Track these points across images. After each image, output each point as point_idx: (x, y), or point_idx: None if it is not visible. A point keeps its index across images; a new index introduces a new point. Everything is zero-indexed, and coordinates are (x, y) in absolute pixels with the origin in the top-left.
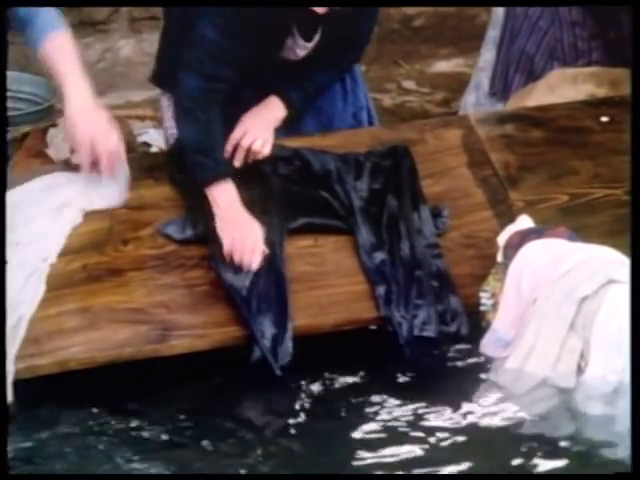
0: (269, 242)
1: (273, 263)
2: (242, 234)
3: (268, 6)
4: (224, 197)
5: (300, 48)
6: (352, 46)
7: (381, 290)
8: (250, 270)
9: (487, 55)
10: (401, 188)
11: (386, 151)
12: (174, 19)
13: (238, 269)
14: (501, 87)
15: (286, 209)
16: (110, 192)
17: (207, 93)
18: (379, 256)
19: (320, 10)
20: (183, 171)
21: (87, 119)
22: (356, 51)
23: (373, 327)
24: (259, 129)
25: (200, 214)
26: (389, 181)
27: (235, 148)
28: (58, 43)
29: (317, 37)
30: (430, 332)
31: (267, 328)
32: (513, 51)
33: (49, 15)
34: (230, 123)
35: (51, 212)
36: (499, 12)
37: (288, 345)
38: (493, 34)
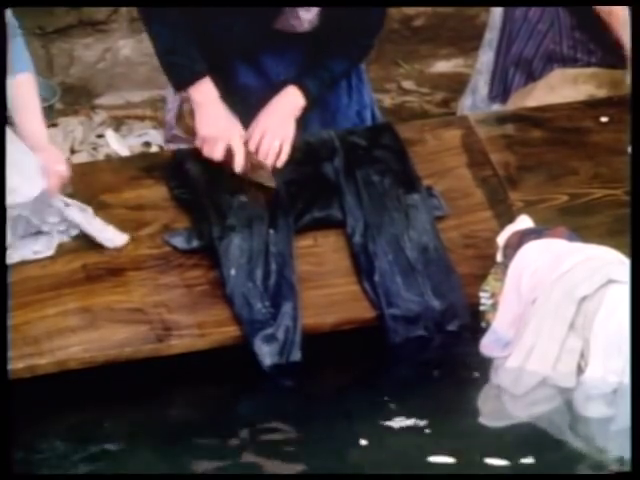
0: (279, 250)
1: (284, 272)
2: (218, 129)
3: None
4: (204, 95)
5: (299, 19)
6: (363, 31)
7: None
8: (215, 158)
9: (484, 58)
10: (389, 167)
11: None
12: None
13: (248, 275)
14: (501, 91)
15: (291, 210)
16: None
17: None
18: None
19: None
20: (183, 186)
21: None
22: (368, 37)
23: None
24: (278, 126)
25: (206, 225)
26: (375, 160)
27: (254, 150)
28: (23, 87)
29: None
30: (425, 331)
31: (277, 332)
32: (511, 54)
33: (21, 56)
34: (242, 117)
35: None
36: (496, 14)
37: (297, 353)
38: (490, 36)
